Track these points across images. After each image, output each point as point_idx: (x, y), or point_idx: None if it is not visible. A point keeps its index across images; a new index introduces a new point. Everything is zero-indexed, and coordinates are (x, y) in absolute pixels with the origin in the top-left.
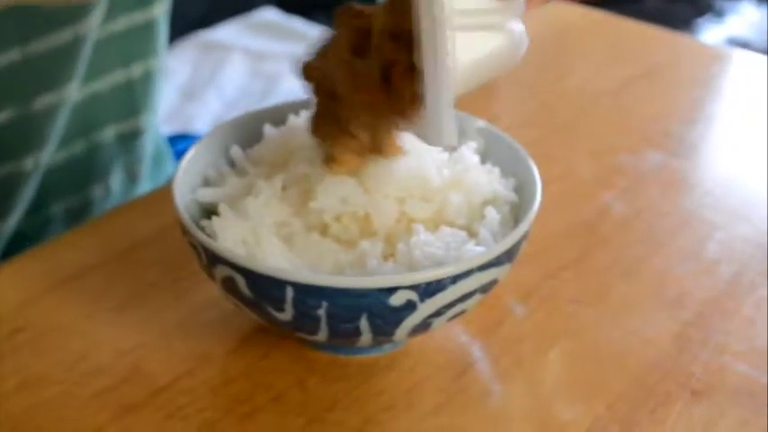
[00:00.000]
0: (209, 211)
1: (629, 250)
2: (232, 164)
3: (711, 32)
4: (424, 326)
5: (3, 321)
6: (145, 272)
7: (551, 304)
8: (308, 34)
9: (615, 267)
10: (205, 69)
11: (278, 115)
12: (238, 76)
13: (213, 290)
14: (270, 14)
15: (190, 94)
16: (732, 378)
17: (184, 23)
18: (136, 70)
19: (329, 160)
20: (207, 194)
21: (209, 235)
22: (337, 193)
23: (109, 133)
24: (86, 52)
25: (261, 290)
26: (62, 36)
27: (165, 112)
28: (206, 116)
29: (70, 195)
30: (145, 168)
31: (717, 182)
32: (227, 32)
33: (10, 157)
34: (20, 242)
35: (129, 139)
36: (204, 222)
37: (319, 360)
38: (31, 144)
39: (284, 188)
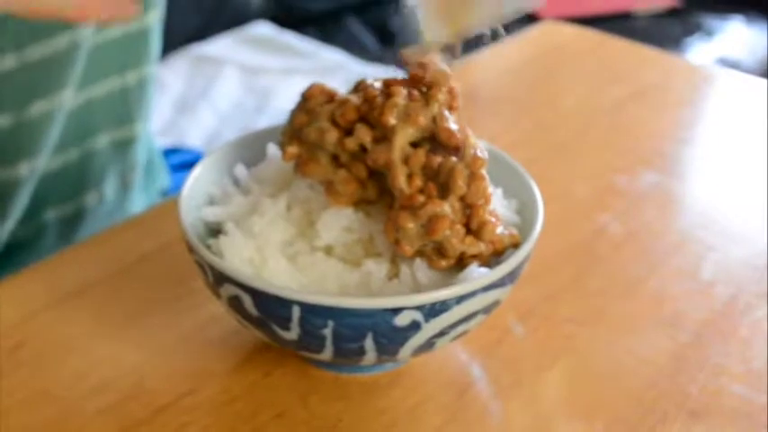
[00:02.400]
0: (213, 229)
1: (625, 271)
2: (236, 182)
3: (701, 51)
4: (428, 345)
5: (4, 338)
6: (146, 288)
7: (550, 324)
8: (302, 49)
9: (612, 288)
10: (198, 83)
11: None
12: (232, 90)
13: (215, 307)
14: (263, 29)
15: (183, 107)
16: (729, 399)
17: (178, 37)
18: (130, 78)
19: (329, 191)
20: (212, 213)
21: (215, 254)
22: (340, 223)
23: (103, 140)
24: (81, 59)
25: (267, 309)
26: (58, 43)
27: (158, 126)
28: (199, 130)
29: (64, 202)
30: (138, 177)
31: (712, 202)
32: (221, 46)
33: (5, 164)
34: (13, 249)
35: (123, 147)
36: (210, 241)
37: (322, 378)
38: (27, 151)
39: (289, 208)
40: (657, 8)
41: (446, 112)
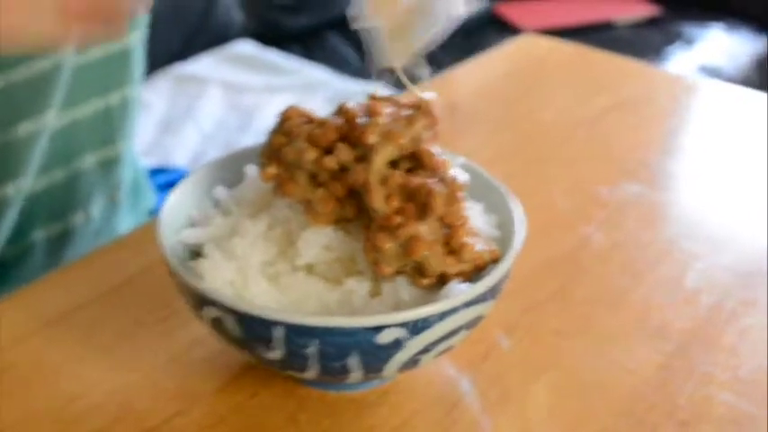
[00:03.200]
0: (196, 252)
1: (609, 281)
2: (216, 204)
3: (682, 60)
4: (413, 362)
5: None
6: (132, 310)
7: (535, 336)
8: (285, 66)
9: (597, 299)
10: (182, 102)
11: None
12: (215, 109)
13: (201, 328)
14: (245, 46)
15: (167, 127)
16: (718, 408)
17: (160, 56)
18: (113, 98)
19: (309, 211)
20: (193, 235)
21: (196, 276)
22: (319, 242)
23: (88, 161)
24: (65, 80)
25: (250, 330)
26: (41, 64)
27: (143, 146)
28: (184, 149)
29: (51, 223)
30: (124, 196)
31: (695, 212)
32: (204, 65)
33: None
34: (1, 269)
35: (109, 166)
36: (191, 263)
37: (309, 397)
38: (13, 171)
39: (269, 228)
40: (638, 18)
41: (427, 133)
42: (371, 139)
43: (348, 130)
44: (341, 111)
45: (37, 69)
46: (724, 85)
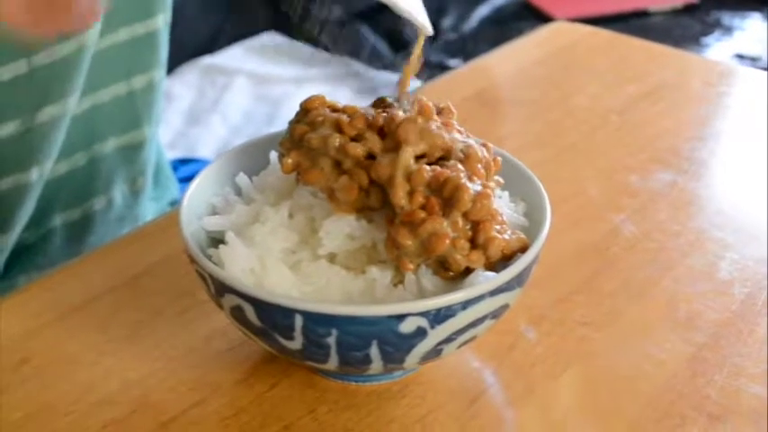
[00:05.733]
0: (216, 240)
1: (639, 272)
2: (238, 191)
3: (719, 49)
4: (436, 352)
5: (8, 352)
6: (152, 301)
7: (562, 328)
8: (313, 57)
9: (626, 289)
10: (209, 94)
11: None
12: (242, 101)
13: (221, 319)
14: (274, 38)
15: (194, 118)
16: (749, 400)
17: (188, 48)
18: (137, 82)
19: (332, 198)
20: (213, 223)
21: (216, 263)
22: (343, 231)
23: (110, 145)
24: (89, 63)
25: (270, 318)
26: (67, 47)
27: (168, 138)
28: (210, 141)
29: (72, 208)
30: (147, 183)
31: (727, 201)
32: (231, 56)
33: (16, 169)
34: (21, 255)
35: (131, 152)
36: (211, 251)
37: (330, 388)
38: (37, 156)
39: (291, 216)
40: (674, 5)
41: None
42: (411, 135)
43: (382, 122)
44: (379, 103)
45: (61, 53)
46: (759, 72)
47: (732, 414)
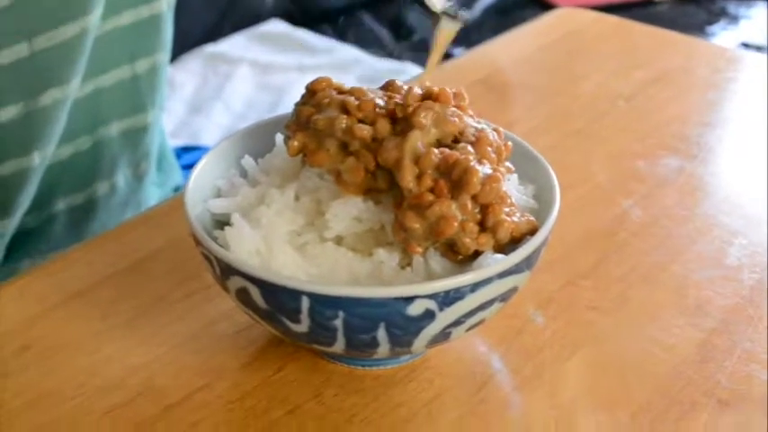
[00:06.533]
0: (222, 222)
1: (647, 257)
2: (244, 174)
3: (724, 37)
4: (443, 336)
5: (11, 338)
6: (155, 285)
7: (570, 312)
8: (316, 45)
9: (634, 274)
10: (212, 82)
11: None
12: (246, 89)
13: (225, 302)
14: (277, 26)
15: (197, 106)
16: (759, 386)
17: (191, 36)
18: (141, 65)
19: (339, 180)
20: (219, 205)
21: (221, 245)
22: (349, 213)
23: (114, 129)
24: (92, 46)
25: (276, 301)
26: (69, 30)
27: (171, 126)
28: (213, 129)
29: (74, 192)
30: (150, 167)
31: (735, 186)
32: (234, 44)
33: (18, 153)
34: (23, 240)
35: (135, 136)
36: (217, 233)
37: (336, 372)
38: (39, 140)
39: (297, 198)
40: None
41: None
42: (423, 119)
43: (391, 105)
44: (389, 86)
45: (63, 37)
46: (765, 58)
47: (742, 400)
